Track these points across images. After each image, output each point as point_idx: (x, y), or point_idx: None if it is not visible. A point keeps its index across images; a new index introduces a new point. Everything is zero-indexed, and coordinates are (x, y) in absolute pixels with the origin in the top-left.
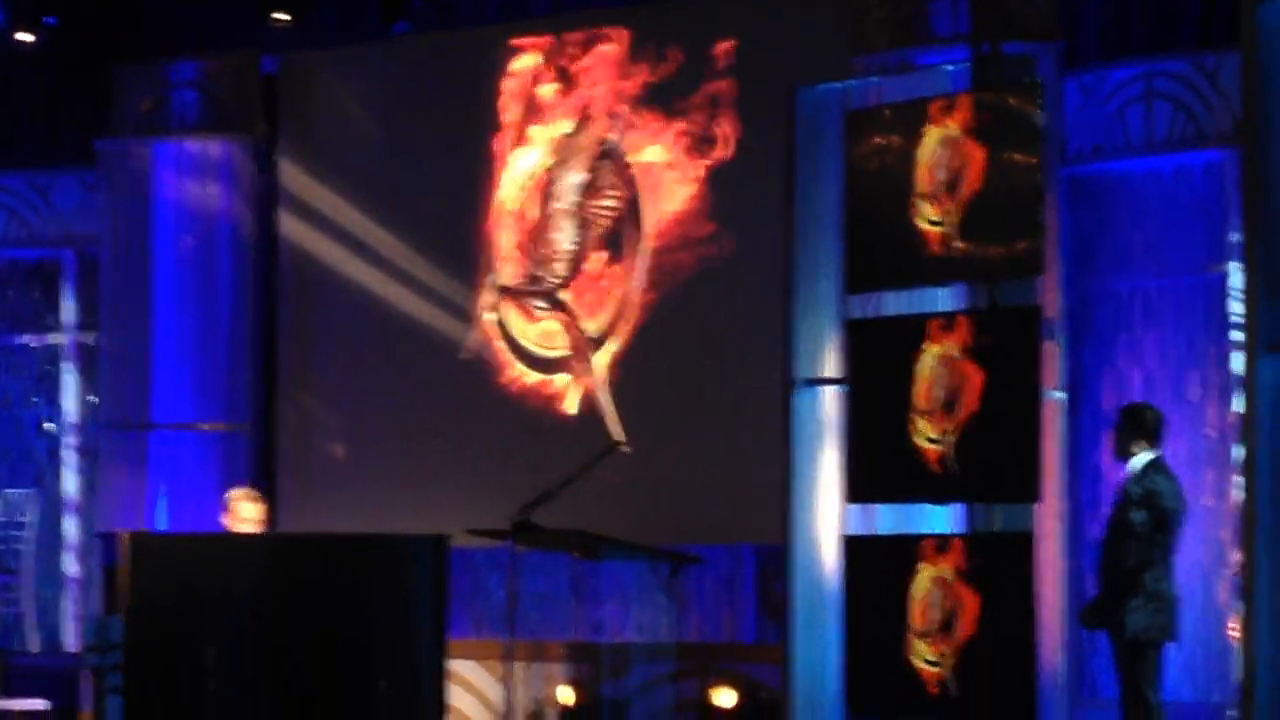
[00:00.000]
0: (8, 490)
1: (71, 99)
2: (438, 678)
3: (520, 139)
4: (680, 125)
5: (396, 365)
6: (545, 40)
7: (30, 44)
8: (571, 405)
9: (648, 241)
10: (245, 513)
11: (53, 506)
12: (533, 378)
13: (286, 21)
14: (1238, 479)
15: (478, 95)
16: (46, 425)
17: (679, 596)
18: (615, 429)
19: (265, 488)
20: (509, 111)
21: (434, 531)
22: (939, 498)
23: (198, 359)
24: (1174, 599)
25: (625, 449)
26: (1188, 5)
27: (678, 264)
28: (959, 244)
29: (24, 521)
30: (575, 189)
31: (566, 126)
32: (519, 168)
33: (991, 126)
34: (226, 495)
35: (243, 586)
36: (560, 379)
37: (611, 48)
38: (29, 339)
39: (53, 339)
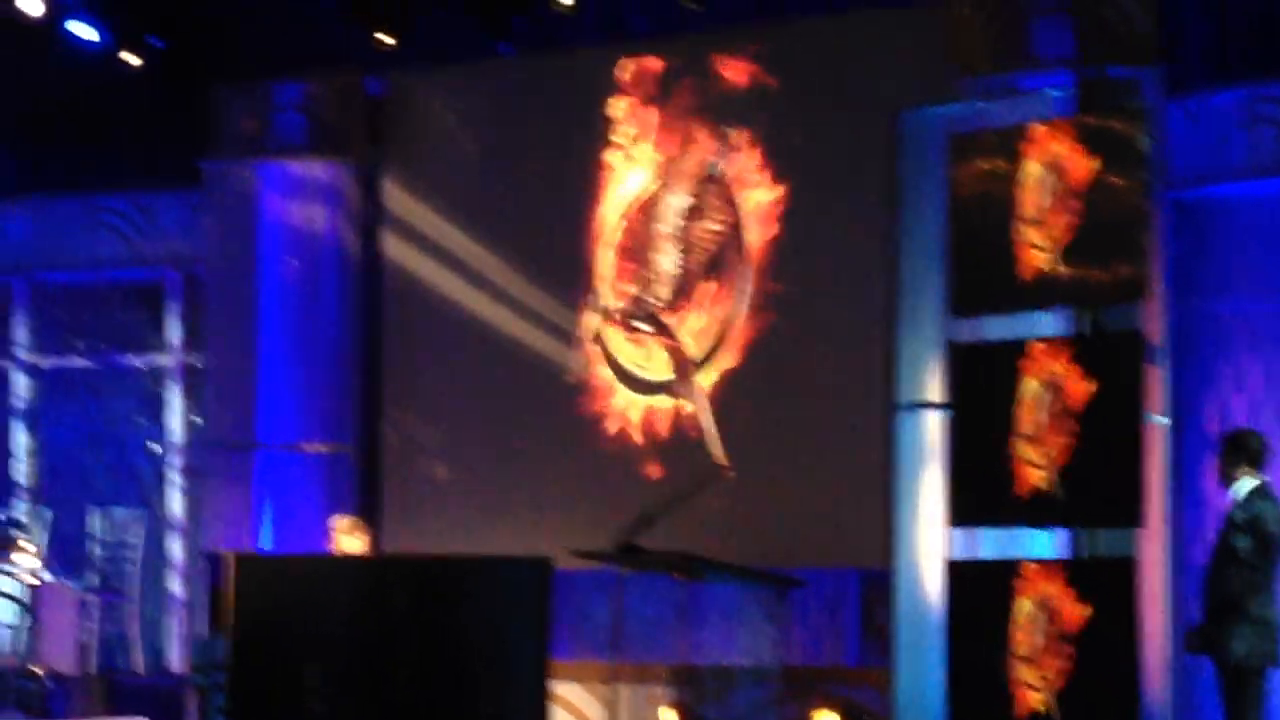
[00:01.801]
0: (114, 510)
1: (176, 120)
2: (541, 700)
3: (624, 161)
4: (784, 148)
5: (499, 386)
6: (649, 63)
7: (135, 65)
8: (674, 427)
9: (750, 264)
10: (348, 545)
11: (158, 527)
12: (636, 400)
13: (390, 43)
14: None
15: (581, 117)
16: (151, 445)
17: (782, 620)
18: (718, 452)
19: (368, 508)
20: (613, 133)
21: (537, 553)
22: (1042, 522)
23: (301, 380)
24: (1278, 624)
25: (729, 472)
26: None
27: (781, 287)
28: (1062, 268)
29: (130, 542)
30: (679, 212)
31: (669, 150)
32: (623, 190)
33: (1095, 151)
34: (331, 524)
35: (346, 608)
36: (663, 401)
37: (715, 70)
38: (134, 359)
39: (158, 359)
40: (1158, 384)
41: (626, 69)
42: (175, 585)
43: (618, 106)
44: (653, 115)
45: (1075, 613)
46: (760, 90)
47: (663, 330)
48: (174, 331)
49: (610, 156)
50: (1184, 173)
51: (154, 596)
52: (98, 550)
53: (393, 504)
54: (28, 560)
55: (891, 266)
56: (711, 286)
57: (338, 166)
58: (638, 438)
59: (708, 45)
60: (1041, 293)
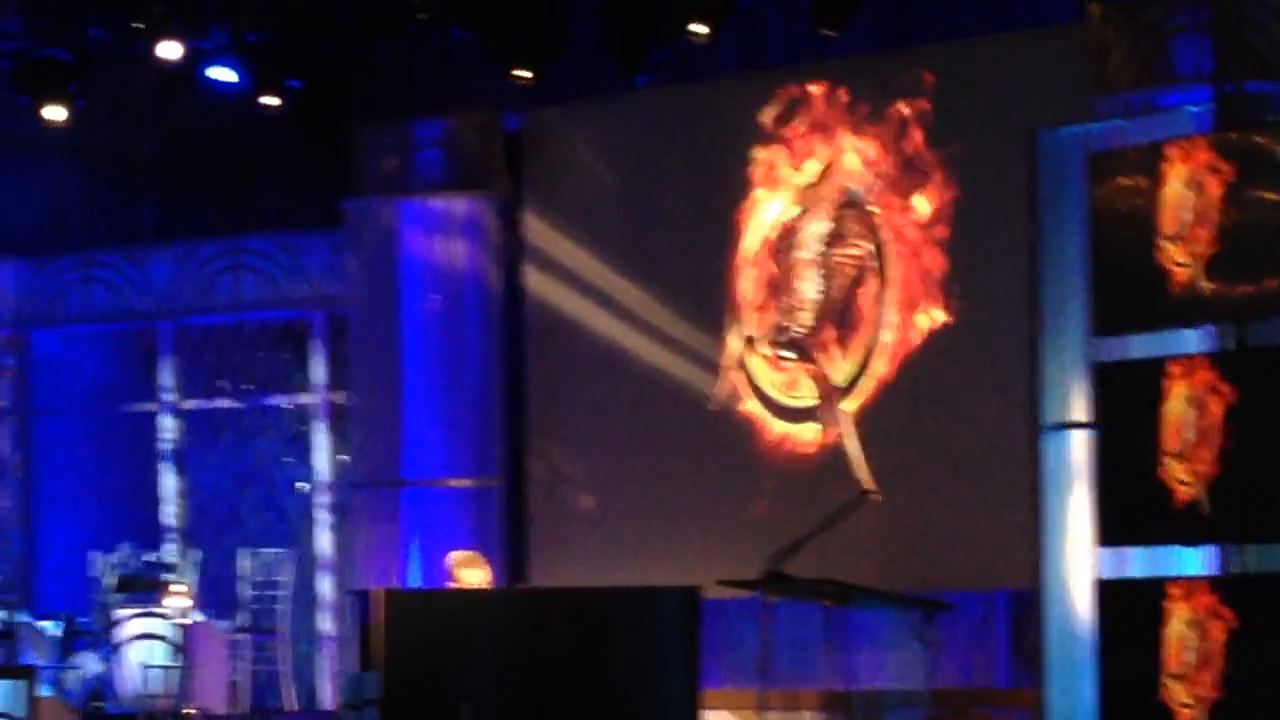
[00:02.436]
0: (263, 550)
1: (317, 160)
2: None
3: (764, 189)
4: (923, 171)
5: (644, 417)
6: (786, 91)
7: (275, 107)
8: (819, 454)
9: (893, 289)
10: (469, 578)
11: (307, 565)
12: (780, 427)
13: (527, 78)
14: None
15: (720, 146)
16: (299, 485)
17: (932, 643)
18: (864, 477)
19: (515, 541)
20: (752, 162)
21: (685, 582)
22: (1191, 539)
23: (446, 415)
24: None
25: (875, 497)
26: None
27: (923, 309)
28: (1206, 284)
29: (279, 581)
30: (819, 238)
31: (810, 176)
32: (763, 218)
33: (1236, 166)
34: (447, 561)
35: (495, 642)
36: (808, 428)
37: (852, 96)
38: (280, 400)
39: (303, 399)
40: None
41: (765, 97)
42: (325, 623)
43: (756, 135)
44: (791, 141)
45: (1227, 629)
46: (899, 113)
47: (806, 357)
48: (319, 371)
49: (750, 185)
50: None
51: (304, 635)
52: (248, 590)
53: (539, 536)
54: (179, 602)
55: (1034, 287)
56: (854, 311)
57: (478, 202)
58: (782, 464)
59: (845, 71)
60: (1185, 309)
